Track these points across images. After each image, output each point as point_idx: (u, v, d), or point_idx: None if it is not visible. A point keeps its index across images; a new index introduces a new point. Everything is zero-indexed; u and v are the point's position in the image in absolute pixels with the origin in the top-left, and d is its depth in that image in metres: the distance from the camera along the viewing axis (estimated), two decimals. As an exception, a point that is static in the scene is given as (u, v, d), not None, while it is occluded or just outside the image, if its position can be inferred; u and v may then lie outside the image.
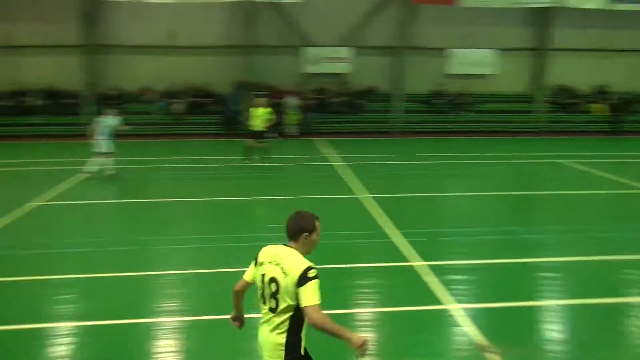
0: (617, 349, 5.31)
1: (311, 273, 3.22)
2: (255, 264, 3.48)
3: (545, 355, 5.18)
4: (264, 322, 3.41)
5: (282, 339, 3.32)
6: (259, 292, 3.42)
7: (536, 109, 23.44)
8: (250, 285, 3.59)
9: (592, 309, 6.17)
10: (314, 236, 3.40)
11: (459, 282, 6.85)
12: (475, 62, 22.90)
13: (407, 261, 7.40)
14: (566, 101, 23.49)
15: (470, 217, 10.19)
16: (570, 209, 11.09)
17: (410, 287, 6.72)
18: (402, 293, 6.58)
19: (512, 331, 5.63)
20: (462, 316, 5.83)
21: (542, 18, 22.92)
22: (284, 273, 3.27)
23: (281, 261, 3.32)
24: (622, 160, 16.59)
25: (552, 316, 6.04)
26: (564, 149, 18.54)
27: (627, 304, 6.34)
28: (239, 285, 3.68)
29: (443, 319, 5.89)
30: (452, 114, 22.81)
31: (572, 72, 23.64)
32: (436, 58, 22.70)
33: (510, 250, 8.13)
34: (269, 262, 3.38)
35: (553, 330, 5.68)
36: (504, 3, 21.43)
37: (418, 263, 7.30)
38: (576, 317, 6.06)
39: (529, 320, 5.95)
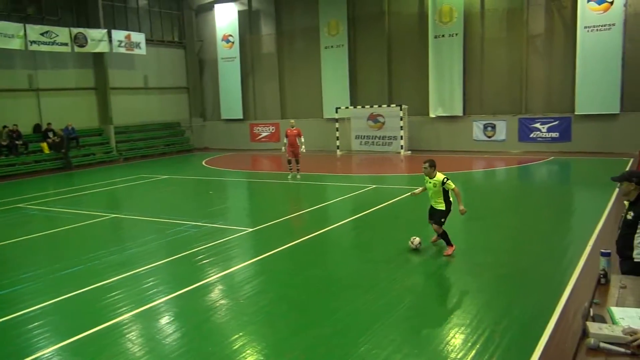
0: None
1: (446, 179, 8.51)
2: (425, 182, 8.71)
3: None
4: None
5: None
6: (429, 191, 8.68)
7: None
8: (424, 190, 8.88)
9: (85, 343, 6.09)
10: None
11: None
12: None
13: None
14: (16, 142, 22.50)
15: None
16: (42, 251, 10.66)
17: None
18: None
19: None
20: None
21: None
22: (434, 183, 8.56)
23: (431, 180, 8.57)
24: (77, 194, 17.30)
25: (50, 365, 5.62)
26: (20, 192, 17.71)
27: (120, 322, 6.57)
28: (419, 191, 9.13)
29: None
30: None
31: (11, 112, 22.89)
32: None
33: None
34: (426, 181, 8.70)
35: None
36: None
37: None
38: (72, 356, 5.84)
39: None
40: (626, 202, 5.12)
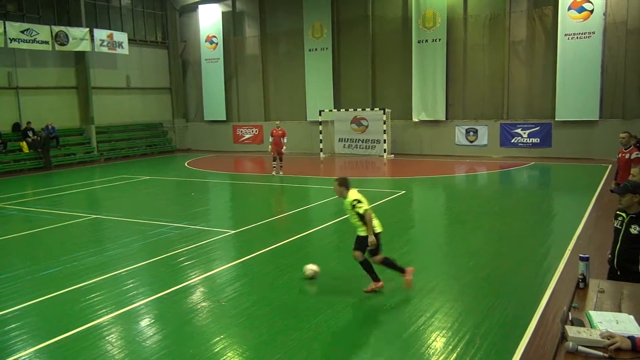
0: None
1: (356, 202, 6.93)
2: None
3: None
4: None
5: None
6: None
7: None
8: None
9: (64, 346, 6.00)
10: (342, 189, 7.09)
11: None
12: None
13: None
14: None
15: None
16: (20, 252, 10.49)
17: None
18: None
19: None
20: None
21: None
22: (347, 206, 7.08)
23: (344, 201, 7.06)
24: (57, 194, 17.05)
25: (27, 368, 5.53)
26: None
27: (100, 324, 6.49)
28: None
29: None
30: None
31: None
32: None
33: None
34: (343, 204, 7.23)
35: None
36: None
37: None
38: (51, 358, 5.76)
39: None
40: (624, 214, 4.82)
